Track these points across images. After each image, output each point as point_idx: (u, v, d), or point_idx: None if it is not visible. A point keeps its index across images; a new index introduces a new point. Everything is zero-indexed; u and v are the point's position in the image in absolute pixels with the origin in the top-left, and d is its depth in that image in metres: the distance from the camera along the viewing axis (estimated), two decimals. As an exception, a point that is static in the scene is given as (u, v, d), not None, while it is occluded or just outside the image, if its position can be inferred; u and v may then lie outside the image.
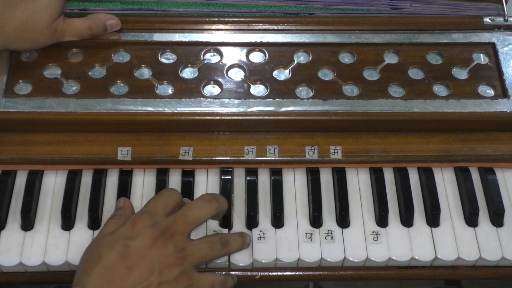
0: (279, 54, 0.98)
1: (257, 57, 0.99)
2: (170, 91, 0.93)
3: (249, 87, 0.94)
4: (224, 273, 0.84)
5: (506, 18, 1.03)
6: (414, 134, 0.93)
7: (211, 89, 0.94)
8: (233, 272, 0.86)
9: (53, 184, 0.90)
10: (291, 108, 0.92)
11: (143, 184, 0.90)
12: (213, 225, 0.87)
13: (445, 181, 0.92)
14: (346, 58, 0.99)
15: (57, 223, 0.87)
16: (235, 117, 0.91)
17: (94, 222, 0.86)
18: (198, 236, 0.82)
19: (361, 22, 1.02)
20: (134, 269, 0.73)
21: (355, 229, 0.87)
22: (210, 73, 0.96)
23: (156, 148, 0.90)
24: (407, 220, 0.88)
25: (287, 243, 0.86)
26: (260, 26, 1.01)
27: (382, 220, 0.88)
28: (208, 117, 0.90)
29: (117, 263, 0.73)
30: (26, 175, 0.90)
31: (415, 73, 0.97)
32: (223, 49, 0.99)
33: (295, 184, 0.91)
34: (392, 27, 1.02)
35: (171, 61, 0.97)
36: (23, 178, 0.89)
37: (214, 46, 0.99)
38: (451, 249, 0.86)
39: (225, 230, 0.87)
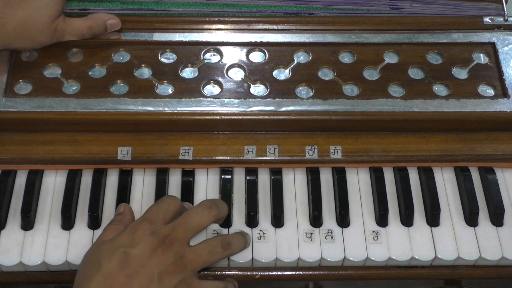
0: (279, 54, 0.98)
1: (257, 56, 0.99)
2: (170, 91, 0.93)
3: (249, 86, 0.94)
4: (226, 279, 0.83)
5: (506, 18, 1.03)
6: (414, 133, 0.93)
7: (211, 89, 0.94)
8: (233, 272, 0.86)
9: (53, 183, 0.90)
10: (291, 108, 0.92)
11: (143, 184, 0.90)
12: (213, 225, 0.87)
13: (445, 181, 0.92)
14: (346, 57, 0.99)
15: (57, 222, 0.87)
16: (235, 117, 0.91)
17: (94, 221, 0.86)
18: (199, 238, 0.82)
19: (361, 22, 1.02)
20: (134, 278, 0.72)
21: (355, 228, 0.87)
22: (210, 72, 0.96)
23: (156, 148, 0.90)
24: (407, 219, 0.88)
25: (287, 242, 0.86)
26: (260, 26, 1.01)
27: (382, 219, 0.88)
28: (208, 117, 0.90)
29: (117, 272, 0.72)
30: (26, 175, 0.90)
31: (415, 73, 0.97)
32: (223, 48, 0.99)
33: (295, 184, 0.91)
34: (392, 27, 1.02)
35: (171, 60, 0.97)
36: (23, 178, 0.89)
37: (214, 46, 0.99)
38: (451, 249, 0.86)
39: (225, 230, 0.87)
